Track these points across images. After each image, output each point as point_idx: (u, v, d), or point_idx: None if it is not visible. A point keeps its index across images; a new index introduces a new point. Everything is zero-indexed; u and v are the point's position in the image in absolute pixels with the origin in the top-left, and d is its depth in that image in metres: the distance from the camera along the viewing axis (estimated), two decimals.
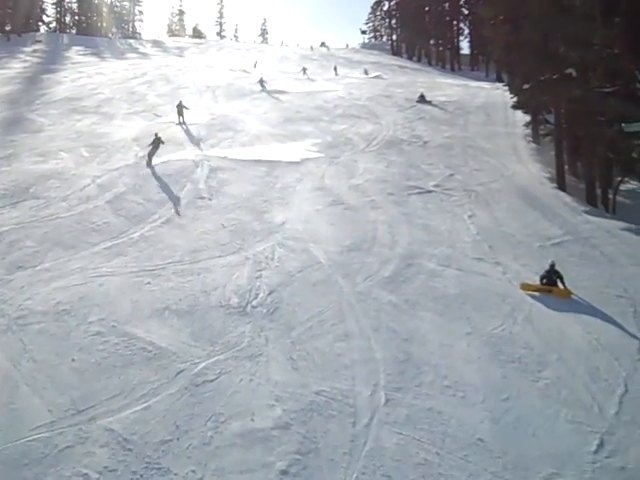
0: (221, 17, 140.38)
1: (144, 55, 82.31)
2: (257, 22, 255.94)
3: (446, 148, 35.67)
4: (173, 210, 24.03)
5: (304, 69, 64.73)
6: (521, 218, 25.46)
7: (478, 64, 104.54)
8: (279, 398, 13.33)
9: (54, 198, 24.49)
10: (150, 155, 29.74)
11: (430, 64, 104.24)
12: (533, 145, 38.21)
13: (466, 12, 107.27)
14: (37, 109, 41.21)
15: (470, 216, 25.18)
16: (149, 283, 18.20)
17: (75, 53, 78.25)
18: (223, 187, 27.00)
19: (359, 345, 15.59)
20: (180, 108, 38.51)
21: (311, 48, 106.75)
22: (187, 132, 35.81)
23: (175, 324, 16.00)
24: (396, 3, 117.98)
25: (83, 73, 57.88)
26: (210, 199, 25.51)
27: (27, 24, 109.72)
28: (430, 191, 27.96)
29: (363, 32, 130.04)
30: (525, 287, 19.28)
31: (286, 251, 20.91)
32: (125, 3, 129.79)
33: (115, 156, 30.72)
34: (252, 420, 12.59)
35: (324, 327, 16.31)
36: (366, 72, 70.26)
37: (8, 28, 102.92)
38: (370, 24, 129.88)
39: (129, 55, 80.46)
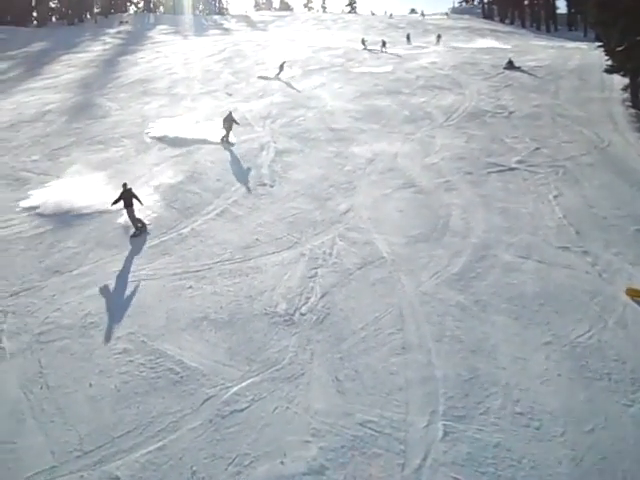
0: None
1: (226, 31, 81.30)
2: None
3: (533, 118, 32.68)
4: (230, 200, 22.28)
5: (383, 42, 59.21)
6: (615, 197, 22.55)
7: (576, 23, 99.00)
8: (317, 432, 11.42)
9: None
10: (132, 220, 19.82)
11: (524, 26, 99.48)
12: (632, 111, 34.63)
13: None
14: (108, 93, 40.30)
15: (556, 196, 22.52)
16: (191, 287, 16.57)
17: (157, 32, 77.77)
18: (287, 172, 25.17)
19: (417, 360, 13.50)
20: (229, 123, 28.91)
21: (390, 16, 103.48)
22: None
23: (211, 338, 14.29)
24: None
25: (160, 53, 57.07)
26: (272, 186, 23.73)
27: (116, 5, 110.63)
28: (512, 168, 25.29)
29: None
30: (632, 292, 16.28)
31: (347, 244, 18.91)
32: None
33: (176, 141, 29.25)
34: (282, 463, 10.74)
35: (379, 337, 14.29)
36: (439, 38, 65.92)
37: (97, 10, 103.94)
38: None
39: (211, 32, 79.56)
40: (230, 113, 29.40)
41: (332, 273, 17.22)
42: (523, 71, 44.64)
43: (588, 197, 22.43)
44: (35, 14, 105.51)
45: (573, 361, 13.52)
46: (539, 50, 56.46)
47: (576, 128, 30.83)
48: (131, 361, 13.37)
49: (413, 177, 24.37)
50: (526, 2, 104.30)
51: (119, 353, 13.67)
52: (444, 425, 11.55)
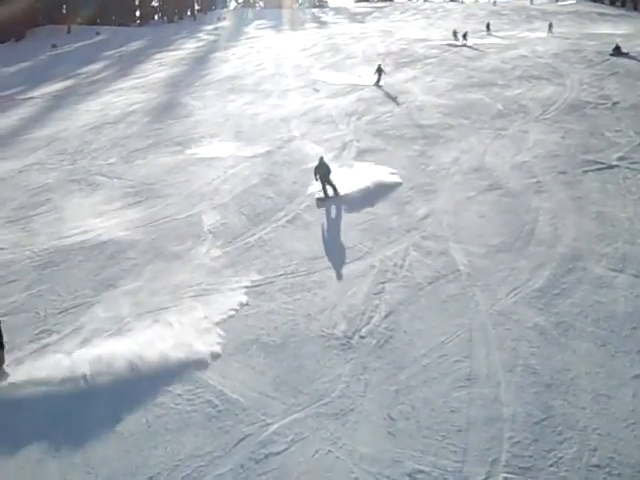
0: None
1: (323, 24, 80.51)
2: None
3: None
4: (303, 205, 21.16)
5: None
6: None
7: None
8: None
9: (177, 195, 22.60)
10: None
11: (636, 8, 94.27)
12: None
13: None
14: (194, 91, 40.08)
15: None
16: (247, 305, 15.47)
17: (254, 28, 77.75)
18: None
19: (483, 395, 11.92)
20: (322, 171, 21.44)
21: (494, 3, 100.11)
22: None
23: (259, 364, 13.13)
24: None
25: (253, 48, 56.69)
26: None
27: (216, 2, 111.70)
28: (612, 166, 23.09)
29: None
30: None
31: (420, 255, 17.44)
32: None
33: (257, 140, 28.36)
34: None
35: (443, 366, 12.79)
36: (550, 27, 59.54)
37: (198, 8, 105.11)
38: None
39: (307, 25, 78.99)
40: (321, 159, 21.58)
41: (401, 288, 15.81)
42: (631, 57, 41.68)
43: None
44: (138, 13, 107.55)
45: None
46: None
47: None
48: (169, 391, 12.34)
49: (500, 178, 22.59)
50: None
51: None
52: (505, 479, 9.96)
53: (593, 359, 12.78)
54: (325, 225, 19.81)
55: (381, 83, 38.54)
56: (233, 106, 35.49)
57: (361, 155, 25.75)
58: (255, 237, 19.13)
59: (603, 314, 14.29)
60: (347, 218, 20.12)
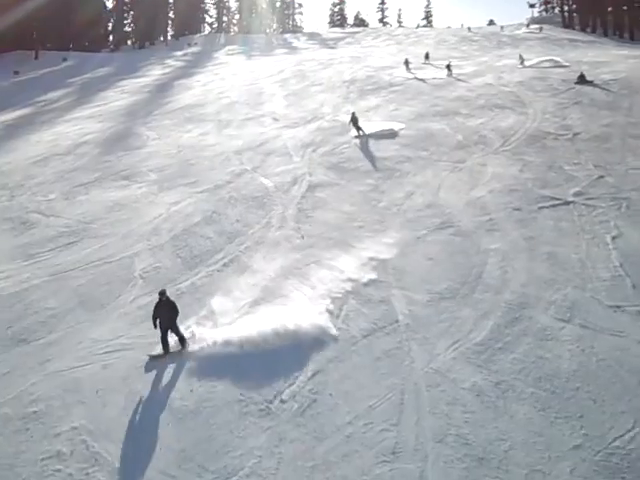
0: (383, 3, 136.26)
1: (294, 50, 79.95)
2: (421, 5, 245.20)
3: (601, 140, 29.20)
4: (243, 246, 20.05)
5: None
6: None
7: None
8: None
9: (114, 235, 21.46)
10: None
11: (606, 34, 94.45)
12: None
13: None
14: (151, 121, 38.96)
15: (615, 237, 19.33)
16: None
17: (224, 53, 77.30)
18: (315, 210, 22.82)
19: (407, 471, 10.80)
20: (164, 314, 14.29)
21: (468, 29, 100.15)
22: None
23: (166, 436, 11.95)
24: None
25: (218, 75, 55.69)
26: (300, 233, 21.24)
27: (189, 27, 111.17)
28: (568, 202, 22.14)
29: (531, 5, 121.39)
30: None
31: (359, 303, 16.34)
32: None
33: (206, 175, 27.24)
34: None
35: (367, 436, 11.67)
36: (522, 59, 54.20)
37: (170, 34, 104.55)
38: None
39: (277, 51, 78.43)
40: (163, 293, 14.34)
41: (332, 343, 14.66)
42: (596, 85, 40.95)
43: None
44: (111, 38, 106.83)
45: (608, 478, 10.53)
46: (617, 61, 52.34)
47: None
48: (58, 471, 11.13)
49: (453, 215, 21.60)
50: (610, 9, 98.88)
51: (49, 457, 11.48)
52: None
53: (531, 426, 11.72)
54: (264, 268, 18.66)
55: (364, 132, 32.43)
56: (188, 137, 34.37)
57: (312, 190, 24.62)
58: (187, 283, 18.02)
59: (545, 372, 13.25)
60: (288, 260, 19.09)
